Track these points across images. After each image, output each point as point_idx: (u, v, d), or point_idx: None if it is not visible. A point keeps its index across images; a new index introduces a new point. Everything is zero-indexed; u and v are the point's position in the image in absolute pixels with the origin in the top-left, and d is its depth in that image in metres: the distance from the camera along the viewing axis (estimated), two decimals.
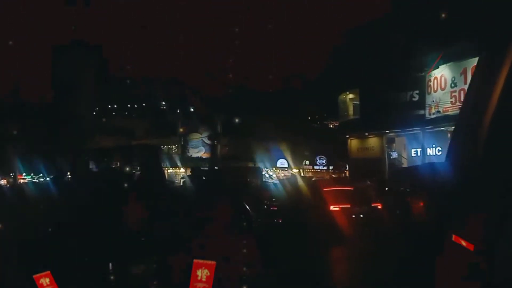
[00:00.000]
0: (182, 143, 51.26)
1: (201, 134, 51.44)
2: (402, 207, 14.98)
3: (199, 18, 76.33)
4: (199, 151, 49.42)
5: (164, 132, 52.24)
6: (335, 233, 12.53)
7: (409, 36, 26.08)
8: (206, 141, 50.83)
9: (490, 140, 2.29)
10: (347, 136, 33.49)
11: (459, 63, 23.49)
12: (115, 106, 60.90)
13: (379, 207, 14.21)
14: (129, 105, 59.87)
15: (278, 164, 46.80)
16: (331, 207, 13.70)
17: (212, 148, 49.55)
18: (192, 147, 50.39)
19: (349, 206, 13.71)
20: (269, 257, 7.89)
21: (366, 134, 31.45)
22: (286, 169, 46.89)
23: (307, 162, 46.65)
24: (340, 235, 12.48)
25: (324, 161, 45.52)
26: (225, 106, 47.65)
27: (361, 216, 13.58)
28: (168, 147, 51.45)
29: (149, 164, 15.23)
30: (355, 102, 33.10)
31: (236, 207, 10.62)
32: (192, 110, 53.16)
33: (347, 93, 34.04)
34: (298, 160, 46.00)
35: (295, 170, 45.20)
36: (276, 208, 16.51)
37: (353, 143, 33.22)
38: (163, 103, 55.36)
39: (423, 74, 26.36)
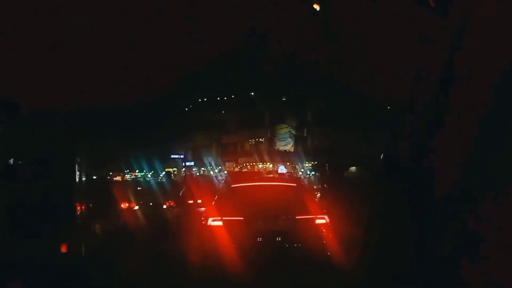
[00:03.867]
0: (269, 135, 46.12)
1: (289, 125, 46.15)
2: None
3: None
4: (286, 144, 43.72)
5: (252, 124, 48.20)
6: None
7: None
8: (294, 133, 45.01)
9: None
10: None
11: None
12: (205, 99, 58.79)
13: (319, 221, 7.44)
14: (218, 98, 57.05)
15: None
16: (210, 220, 7.42)
17: (301, 141, 43.43)
18: (279, 140, 44.98)
19: (251, 218, 7.37)
20: None
21: None
22: None
23: None
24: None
25: None
26: (315, 92, 41.04)
27: (278, 239, 7.32)
28: (256, 141, 47.43)
29: None
30: None
31: None
32: (282, 99, 47.43)
33: None
34: None
35: None
36: None
37: None
38: (252, 93, 50.64)
39: None
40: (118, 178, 36.07)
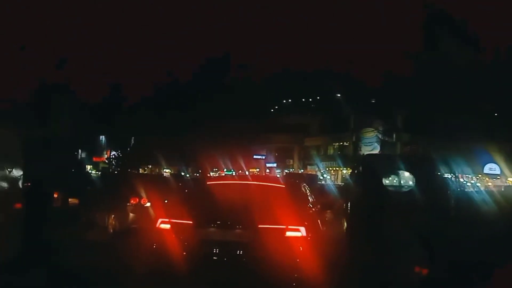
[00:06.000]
0: (354, 139, 43.68)
1: (376, 129, 43.08)
2: None
3: None
4: (373, 149, 40.93)
5: (336, 127, 46.05)
6: None
7: None
8: (381, 138, 42.03)
9: None
10: None
11: None
12: (289, 100, 57.84)
13: (291, 233, 5.70)
14: (303, 99, 55.76)
15: (486, 170, 34.83)
16: (159, 222, 5.99)
17: (389, 147, 40.46)
18: (364, 145, 42.36)
19: (203, 223, 5.84)
20: None
21: None
22: (498, 177, 34.54)
23: None
24: None
25: None
26: (406, 96, 38.29)
27: (231, 252, 5.69)
28: (340, 145, 45.35)
29: None
30: None
31: None
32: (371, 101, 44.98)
33: None
34: None
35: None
36: None
37: None
38: (338, 95, 48.59)
39: None
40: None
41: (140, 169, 49.16)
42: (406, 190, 9.26)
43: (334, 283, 5.83)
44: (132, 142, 52.19)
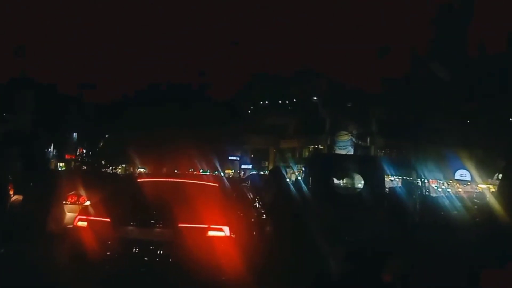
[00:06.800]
0: (328, 142, 43.84)
1: (350, 133, 43.37)
2: None
3: None
4: (347, 152, 41.14)
5: (312, 130, 46.06)
6: None
7: None
8: (356, 142, 42.30)
9: None
10: None
11: None
12: (266, 102, 57.74)
13: (214, 233, 5.56)
14: (279, 101, 55.74)
15: (457, 176, 35.37)
16: (77, 220, 5.73)
17: (363, 151, 40.72)
18: (339, 148, 42.53)
19: (122, 220, 5.61)
20: None
21: None
22: (469, 183, 35.13)
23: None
24: None
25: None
26: (383, 100, 38.53)
27: (151, 253, 5.46)
28: (315, 147, 45.39)
29: None
30: None
31: None
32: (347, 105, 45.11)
33: None
34: (488, 172, 33.51)
35: (482, 186, 33.09)
36: None
37: None
38: (314, 98, 48.79)
39: None
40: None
41: (113, 168, 48.29)
42: (353, 191, 9.03)
43: (256, 283, 5.59)
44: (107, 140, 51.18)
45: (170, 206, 5.73)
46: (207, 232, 5.55)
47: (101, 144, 50.93)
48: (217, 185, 7.00)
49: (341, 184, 8.63)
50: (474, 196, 27.29)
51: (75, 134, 55.51)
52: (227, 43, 72.09)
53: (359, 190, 9.02)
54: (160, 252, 5.46)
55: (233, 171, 51.76)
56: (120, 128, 44.08)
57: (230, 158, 52.49)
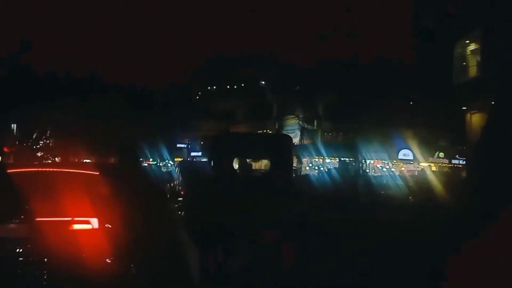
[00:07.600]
0: (276, 127, 43.83)
1: (297, 116, 43.26)
2: None
3: None
4: (295, 136, 41.24)
5: (261, 115, 45.95)
6: None
7: None
8: (303, 126, 42.35)
9: None
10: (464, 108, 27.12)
11: None
12: (214, 87, 56.92)
13: (79, 226, 5.24)
14: (228, 86, 55.07)
15: (400, 156, 36.39)
16: None
17: (310, 134, 41.03)
18: (286, 132, 42.55)
19: None
20: None
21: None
22: (411, 162, 36.26)
23: (442, 155, 34.89)
24: None
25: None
26: (330, 82, 38.57)
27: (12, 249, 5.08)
28: (265, 132, 45.37)
29: None
30: None
31: None
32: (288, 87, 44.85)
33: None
34: (430, 151, 34.61)
35: (424, 164, 34.22)
36: None
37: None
38: (262, 82, 48.52)
39: None
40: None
41: (57, 158, 46.07)
42: (258, 173, 8.55)
43: (126, 276, 5.28)
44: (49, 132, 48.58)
45: (32, 199, 5.26)
46: (71, 225, 5.19)
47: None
48: (97, 173, 6.34)
49: (244, 167, 7.94)
50: (416, 174, 28.26)
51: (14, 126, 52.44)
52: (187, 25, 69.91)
53: (262, 172, 8.62)
54: (19, 250, 5.03)
55: (181, 159, 50.80)
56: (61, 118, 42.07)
57: (178, 145, 51.45)
